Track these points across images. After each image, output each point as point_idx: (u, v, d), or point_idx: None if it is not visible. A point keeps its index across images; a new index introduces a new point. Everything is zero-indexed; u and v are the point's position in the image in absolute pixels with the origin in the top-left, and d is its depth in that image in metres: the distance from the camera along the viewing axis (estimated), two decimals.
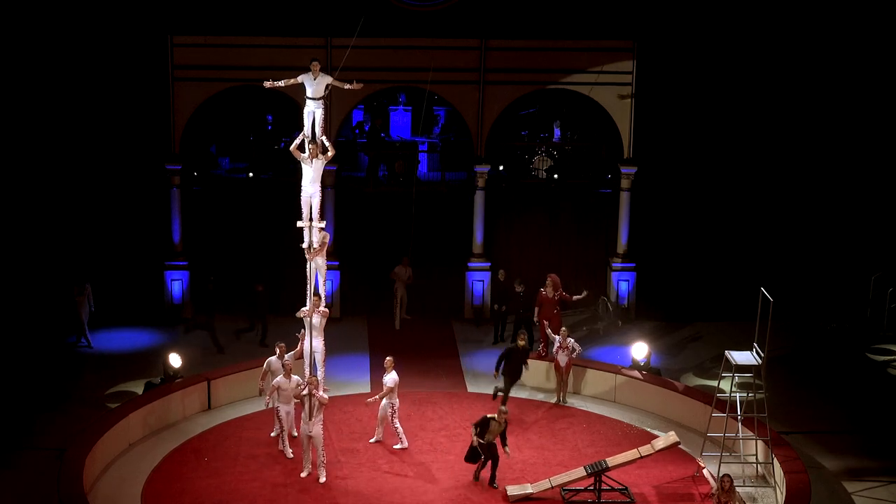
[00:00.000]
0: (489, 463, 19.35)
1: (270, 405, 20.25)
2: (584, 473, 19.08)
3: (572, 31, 26.79)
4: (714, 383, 21.03)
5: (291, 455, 20.11)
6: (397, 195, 27.95)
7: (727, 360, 19.66)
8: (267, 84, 19.10)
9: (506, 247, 28.36)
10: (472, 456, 19.47)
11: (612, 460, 19.26)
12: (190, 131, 26.99)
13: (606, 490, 19.09)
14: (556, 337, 22.92)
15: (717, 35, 27.72)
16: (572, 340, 22.92)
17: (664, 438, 19.70)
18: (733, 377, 19.70)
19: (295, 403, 19.76)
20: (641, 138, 27.45)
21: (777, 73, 28.22)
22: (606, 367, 23.63)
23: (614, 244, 28.19)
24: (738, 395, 19.66)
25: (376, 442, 20.81)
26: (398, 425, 20.67)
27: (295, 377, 19.88)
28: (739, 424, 19.93)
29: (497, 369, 22.14)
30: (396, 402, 20.61)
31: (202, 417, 21.84)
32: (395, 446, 20.67)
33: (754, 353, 19.70)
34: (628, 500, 19.06)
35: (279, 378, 20.05)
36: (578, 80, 27.04)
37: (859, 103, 28.41)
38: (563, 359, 22.72)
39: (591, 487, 19.07)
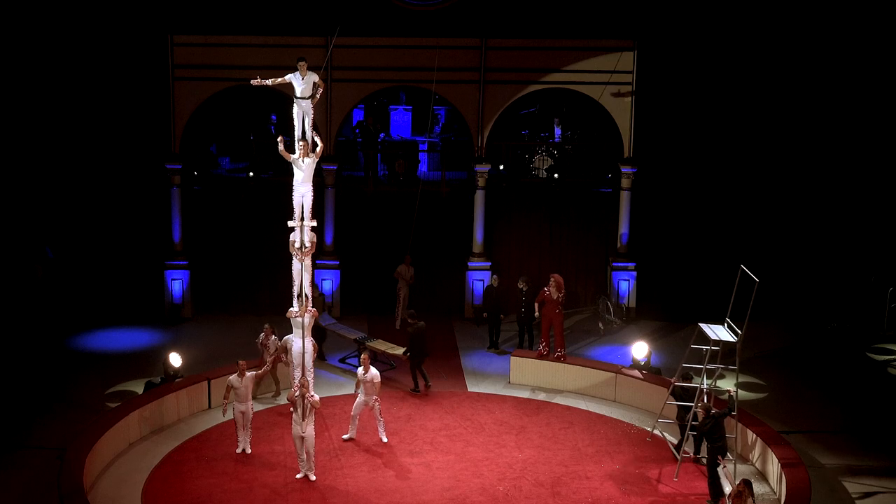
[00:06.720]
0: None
1: (228, 415, 20.39)
2: (356, 337, 23.91)
3: (572, 30, 26.79)
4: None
5: (249, 451, 20.25)
6: (397, 195, 27.98)
7: (700, 332, 19.72)
8: (254, 82, 19.11)
9: (506, 246, 28.36)
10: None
11: (380, 343, 23.77)
12: (190, 131, 27.00)
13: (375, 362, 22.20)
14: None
15: (717, 34, 27.73)
16: None
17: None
18: (708, 351, 19.80)
19: (290, 411, 19.70)
20: (641, 138, 27.44)
21: (777, 72, 28.24)
22: (606, 366, 23.62)
23: (614, 243, 28.18)
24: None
25: (349, 439, 20.74)
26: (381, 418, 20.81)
27: (249, 373, 20.13)
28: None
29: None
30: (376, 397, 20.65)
31: (202, 417, 21.83)
32: (384, 439, 20.77)
33: (726, 328, 19.78)
34: (389, 366, 23.15)
35: (232, 377, 20.22)
36: (578, 79, 27.04)
37: (859, 103, 28.41)
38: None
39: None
